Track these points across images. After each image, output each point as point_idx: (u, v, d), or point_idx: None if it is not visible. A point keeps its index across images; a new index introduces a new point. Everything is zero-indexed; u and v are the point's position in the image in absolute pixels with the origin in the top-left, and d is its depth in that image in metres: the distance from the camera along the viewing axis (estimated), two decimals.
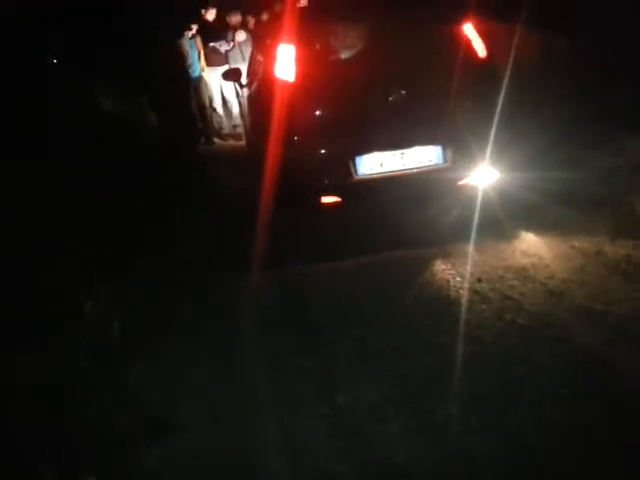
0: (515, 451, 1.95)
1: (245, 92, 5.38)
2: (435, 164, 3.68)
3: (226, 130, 7.63)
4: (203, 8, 7.26)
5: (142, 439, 2.09)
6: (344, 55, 3.91)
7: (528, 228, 3.66)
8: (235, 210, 4.36)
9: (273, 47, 3.88)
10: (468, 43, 3.78)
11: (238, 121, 7.17)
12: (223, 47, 7.20)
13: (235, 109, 7.19)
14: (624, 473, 1.86)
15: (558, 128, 4.26)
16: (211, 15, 7.27)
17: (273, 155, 3.59)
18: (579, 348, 2.39)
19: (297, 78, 3.62)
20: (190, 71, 6.90)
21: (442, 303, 2.85)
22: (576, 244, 3.38)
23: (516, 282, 3.00)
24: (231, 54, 7.20)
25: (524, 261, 3.25)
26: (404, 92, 3.60)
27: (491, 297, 2.85)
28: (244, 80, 5.40)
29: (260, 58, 4.63)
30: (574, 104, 4.43)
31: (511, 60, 4.44)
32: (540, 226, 3.66)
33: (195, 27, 7.05)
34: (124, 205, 3.79)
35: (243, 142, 6.64)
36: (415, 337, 2.59)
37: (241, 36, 7.22)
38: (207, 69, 7.22)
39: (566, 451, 1.93)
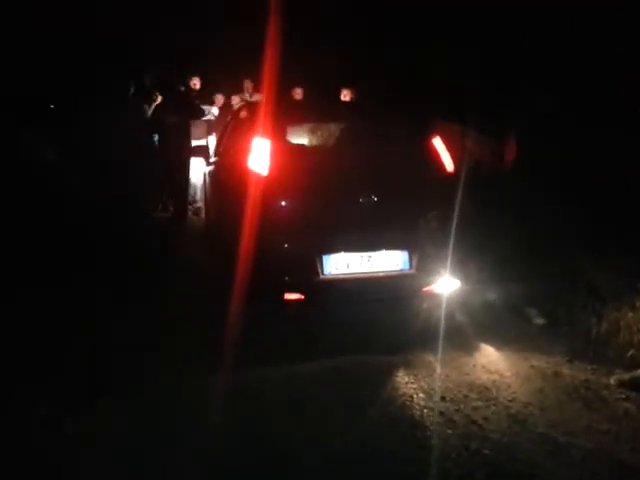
0: None
1: (211, 170, 5.34)
2: (401, 269, 3.69)
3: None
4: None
5: None
6: (319, 155, 3.96)
7: (487, 341, 3.68)
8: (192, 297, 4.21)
9: (248, 137, 3.88)
10: (437, 155, 3.91)
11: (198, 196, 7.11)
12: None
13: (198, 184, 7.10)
14: None
15: (518, 239, 4.43)
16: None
17: (240, 246, 3.50)
18: None
19: (270, 173, 3.61)
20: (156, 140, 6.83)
21: (406, 425, 2.74)
22: (535, 363, 3.40)
23: (480, 403, 2.95)
24: (195, 128, 7.21)
25: (485, 378, 3.22)
26: (374, 196, 3.65)
27: (456, 420, 2.78)
28: (211, 157, 5.37)
29: (231, 143, 4.62)
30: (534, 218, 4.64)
31: (469, 168, 4.68)
32: (499, 339, 3.68)
33: (160, 97, 7.06)
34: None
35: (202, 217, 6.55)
36: (381, 467, 2.44)
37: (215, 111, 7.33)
38: None
39: None
